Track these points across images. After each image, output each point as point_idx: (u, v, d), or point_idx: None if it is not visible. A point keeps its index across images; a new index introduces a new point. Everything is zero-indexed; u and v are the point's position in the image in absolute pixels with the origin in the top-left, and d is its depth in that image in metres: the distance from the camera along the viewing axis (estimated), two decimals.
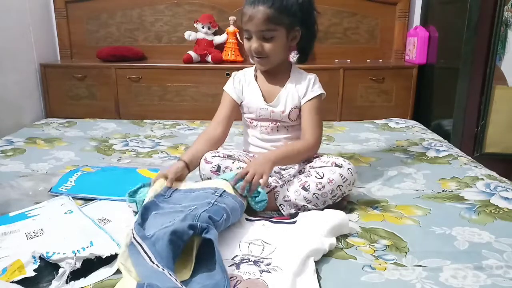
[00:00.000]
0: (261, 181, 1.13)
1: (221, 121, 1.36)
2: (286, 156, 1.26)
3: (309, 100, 1.32)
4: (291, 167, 1.36)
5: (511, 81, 2.00)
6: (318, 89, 1.33)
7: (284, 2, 1.21)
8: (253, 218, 1.14)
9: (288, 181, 1.25)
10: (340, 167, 1.20)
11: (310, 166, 1.26)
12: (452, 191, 1.37)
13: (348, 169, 1.21)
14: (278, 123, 1.35)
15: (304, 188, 1.18)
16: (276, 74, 1.35)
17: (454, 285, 0.87)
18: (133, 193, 1.18)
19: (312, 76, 1.36)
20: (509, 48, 1.97)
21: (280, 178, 1.34)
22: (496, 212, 1.20)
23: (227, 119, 1.37)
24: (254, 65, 1.40)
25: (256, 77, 1.38)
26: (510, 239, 1.05)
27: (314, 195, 1.18)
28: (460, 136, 2.08)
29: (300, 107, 1.34)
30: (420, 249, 1.02)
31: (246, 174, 1.14)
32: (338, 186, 1.19)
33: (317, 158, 1.30)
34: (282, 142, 1.36)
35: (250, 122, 1.38)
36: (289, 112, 1.33)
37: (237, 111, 1.40)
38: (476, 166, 1.58)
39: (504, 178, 1.46)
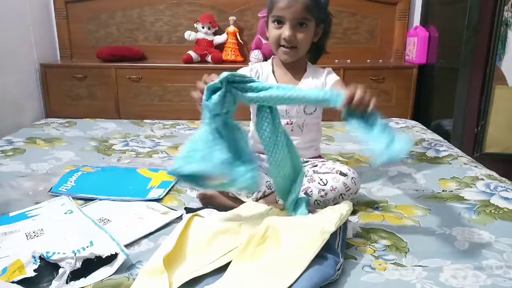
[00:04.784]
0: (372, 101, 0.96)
1: None
2: None
3: (332, 83, 1.31)
4: None
5: (511, 81, 2.00)
6: (335, 76, 1.34)
7: None
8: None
9: None
10: (344, 175, 1.20)
11: (314, 171, 1.26)
12: (452, 191, 1.37)
13: (352, 178, 1.21)
14: (293, 123, 1.33)
15: (306, 194, 1.18)
16: (294, 68, 1.34)
17: (454, 285, 0.87)
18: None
19: (327, 69, 1.37)
20: (509, 48, 1.97)
21: None
22: (496, 212, 1.20)
23: None
24: (270, 60, 1.38)
25: (273, 72, 1.36)
26: (510, 239, 1.05)
27: (315, 202, 1.18)
28: (460, 136, 2.08)
29: None
30: (420, 249, 1.02)
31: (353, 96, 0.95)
32: (341, 194, 1.19)
33: (322, 163, 1.30)
34: (296, 142, 1.32)
35: None
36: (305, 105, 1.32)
37: None
38: (476, 166, 1.58)
39: (504, 178, 1.46)
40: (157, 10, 2.59)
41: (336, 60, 2.50)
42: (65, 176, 1.45)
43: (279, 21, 1.24)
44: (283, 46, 1.26)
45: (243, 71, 1.34)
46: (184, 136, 2.07)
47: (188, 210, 1.20)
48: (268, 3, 1.27)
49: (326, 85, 1.32)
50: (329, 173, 1.22)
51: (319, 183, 1.18)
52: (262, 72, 1.35)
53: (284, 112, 1.32)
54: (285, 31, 1.23)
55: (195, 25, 2.53)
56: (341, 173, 1.21)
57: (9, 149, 1.81)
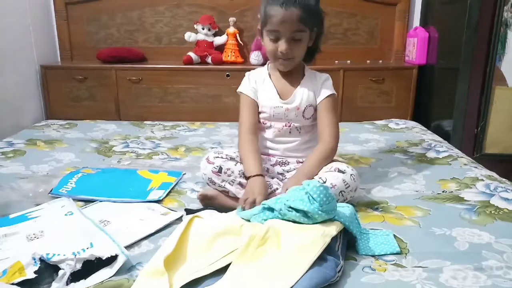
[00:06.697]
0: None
1: (254, 129, 1.33)
2: (317, 166, 1.25)
3: (323, 99, 1.32)
4: (294, 169, 1.35)
5: (511, 81, 2.00)
6: (330, 89, 1.34)
7: (309, 3, 1.22)
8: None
9: None
10: (343, 173, 1.20)
11: None
12: (452, 192, 1.37)
13: (351, 175, 1.21)
14: (291, 125, 1.34)
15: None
16: (291, 73, 1.35)
17: (454, 286, 0.87)
18: None
19: (325, 76, 1.37)
20: (509, 48, 1.97)
21: (281, 180, 1.34)
22: (496, 213, 1.20)
23: (257, 124, 1.35)
24: (267, 65, 1.40)
25: (269, 75, 1.37)
26: (510, 240, 1.05)
27: None
28: (460, 136, 2.08)
29: (314, 106, 1.34)
30: (420, 250, 1.02)
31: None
32: (341, 192, 1.19)
33: None
34: (294, 144, 1.35)
35: (264, 123, 1.37)
36: (304, 109, 1.33)
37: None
38: (476, 167, 1.58)
39: (504, 179, 1.46)
40: (157, 12, 2.59)
41: (336, 61, 2.51)
42: (66, 177, 1.45)
43: (275, 36, 1.24)
44: (280, 58, 1.27)
45: (244, 83, 1.37)
46: (184, 137, 2.07)
47: (189, 211, 1.21)
48: (262, 15, 1.26)
49: (318, 96, 1.33)
50: (328, 171, 1.22)
51: (318, 181, 1.18)
52: (259, 78, 1.37)
53: (282, 115, 1.32)
54: (282, 46, 1.24)
55: (195, 26, 2.53)
56: (340, 171, 1.21)
57: (9, 151, 1.82)
